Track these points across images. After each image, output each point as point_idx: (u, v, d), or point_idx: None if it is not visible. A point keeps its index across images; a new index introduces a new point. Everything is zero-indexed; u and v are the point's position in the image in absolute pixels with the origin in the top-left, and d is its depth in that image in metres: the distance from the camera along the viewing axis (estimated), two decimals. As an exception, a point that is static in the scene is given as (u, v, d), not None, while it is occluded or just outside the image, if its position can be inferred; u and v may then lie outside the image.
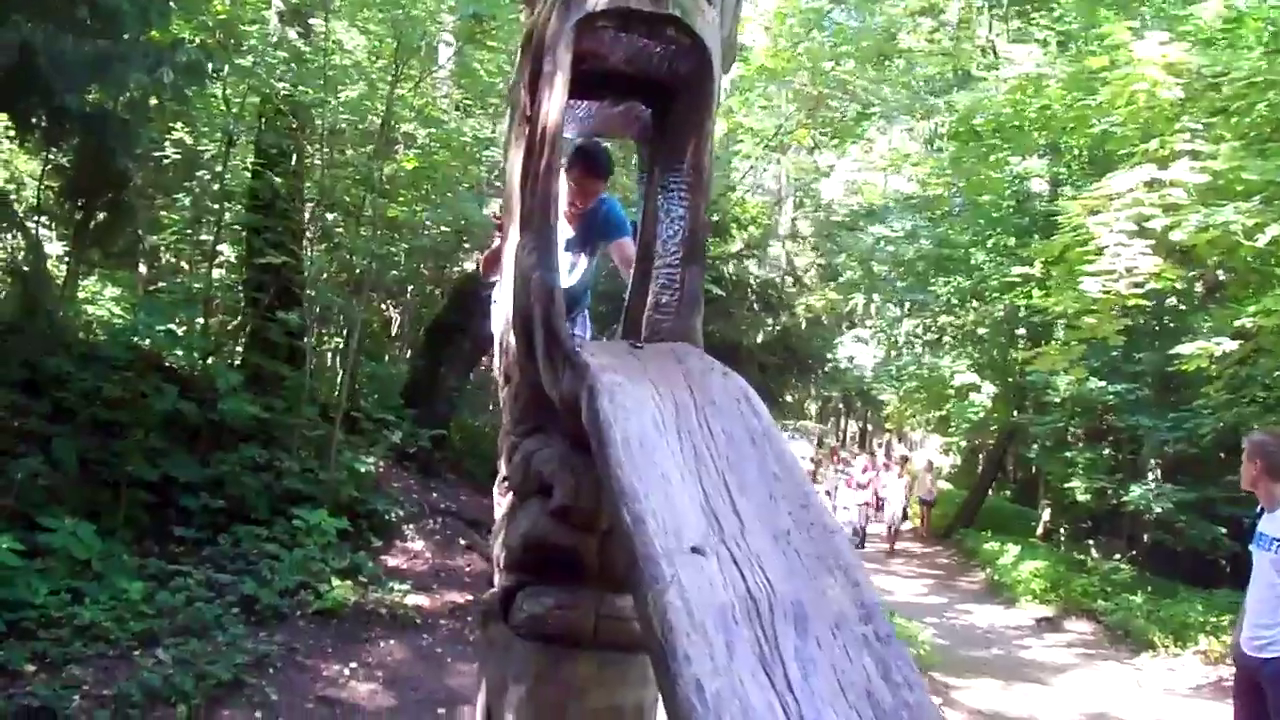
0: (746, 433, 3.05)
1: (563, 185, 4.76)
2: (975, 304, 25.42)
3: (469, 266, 14.44)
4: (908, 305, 30.93)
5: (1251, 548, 6.08)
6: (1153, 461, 19.86)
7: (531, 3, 3.94)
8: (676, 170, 3.84)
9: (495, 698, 3.82)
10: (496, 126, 13.91)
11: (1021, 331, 23.72)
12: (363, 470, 10.57)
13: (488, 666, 3.94)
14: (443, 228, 13.71)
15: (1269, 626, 5.74)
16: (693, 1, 3.57)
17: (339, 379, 12.22)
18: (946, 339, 28.38)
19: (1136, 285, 10.05)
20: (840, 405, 47.13)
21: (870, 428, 50.50)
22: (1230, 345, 10.86)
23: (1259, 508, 6.15)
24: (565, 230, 5.26)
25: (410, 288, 15.34)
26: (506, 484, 4.17)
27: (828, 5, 19.37)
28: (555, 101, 3.50)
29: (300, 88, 10.59)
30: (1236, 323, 11.17)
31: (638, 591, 2.49)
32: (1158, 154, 10.42)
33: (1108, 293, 10.14)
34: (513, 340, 4.06)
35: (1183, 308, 17.61)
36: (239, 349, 11.94)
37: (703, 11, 3.60)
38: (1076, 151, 19.29)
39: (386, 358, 14.50)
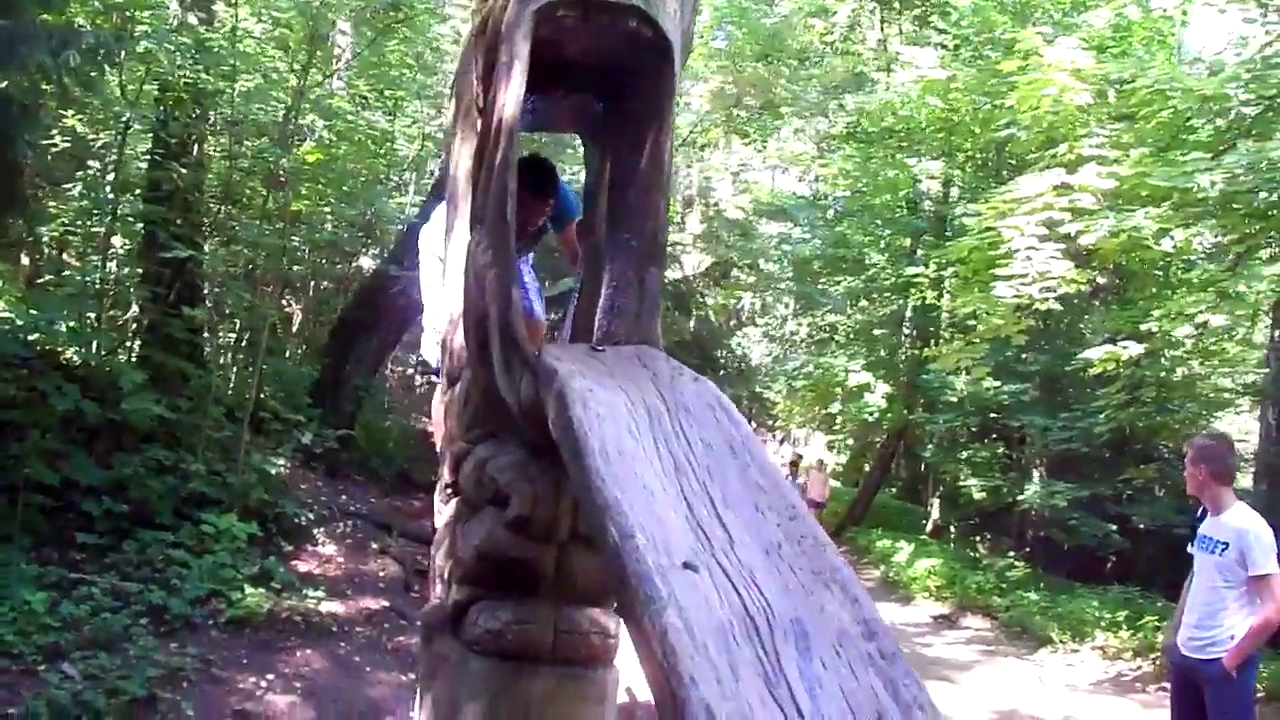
0: (725, 441, 2.94)
1: None
2: (865, 304, 25.74)
3: (371, 263, 14.17)
4: (795, 304, 31.18)
5: (1193, 550, 6.16)
6: (1037, 460, 20.28)
7: (486, -11, 3.78)
8: (633, 164, 3.72)
9: (444, 715, 3.66)
10: (398, 122, 13.64)
11: (908, 331, 24.09)
12: (272, 472, 10.25)
13: (435, 683, 3.77)
14: (344, 222, 13.39)
15: (1209, 628, 5.82)
16: (656, -8, 3.46)
17: (243, 377, 11.84)
18: (837, 338, 28.65)
19: (1048, 289, 10.18)
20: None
21: (756, 426, 50.79)
22: (1136, 348, 11.08)
23: (1200, 510, 6.23)
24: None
25: (313, 283, 14.97)
26: (450, 491, 4.00)
27: (729, 6, 19.32)
28: (512, 92, 3.35)
29: (203, 76, 10.22)
30: (1143, 326, 11.40)
31: (631, 611, 2.36)
32: (1065, 158, 10.59)
33: (1019, 296, 10.26)
34: (460, 342, 3.90)
35: (1068, 310, 17.97)
36: (137, 346, 11.48)
37: (664, 3, 3.49)
38: (971, 155, 19.62)
39: (288, 355, 14.08)
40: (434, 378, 4.79)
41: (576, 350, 3.41)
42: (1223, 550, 5.80)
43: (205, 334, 10.71)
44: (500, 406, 3.44)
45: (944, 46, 17.83)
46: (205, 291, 10.59)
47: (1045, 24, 14.53)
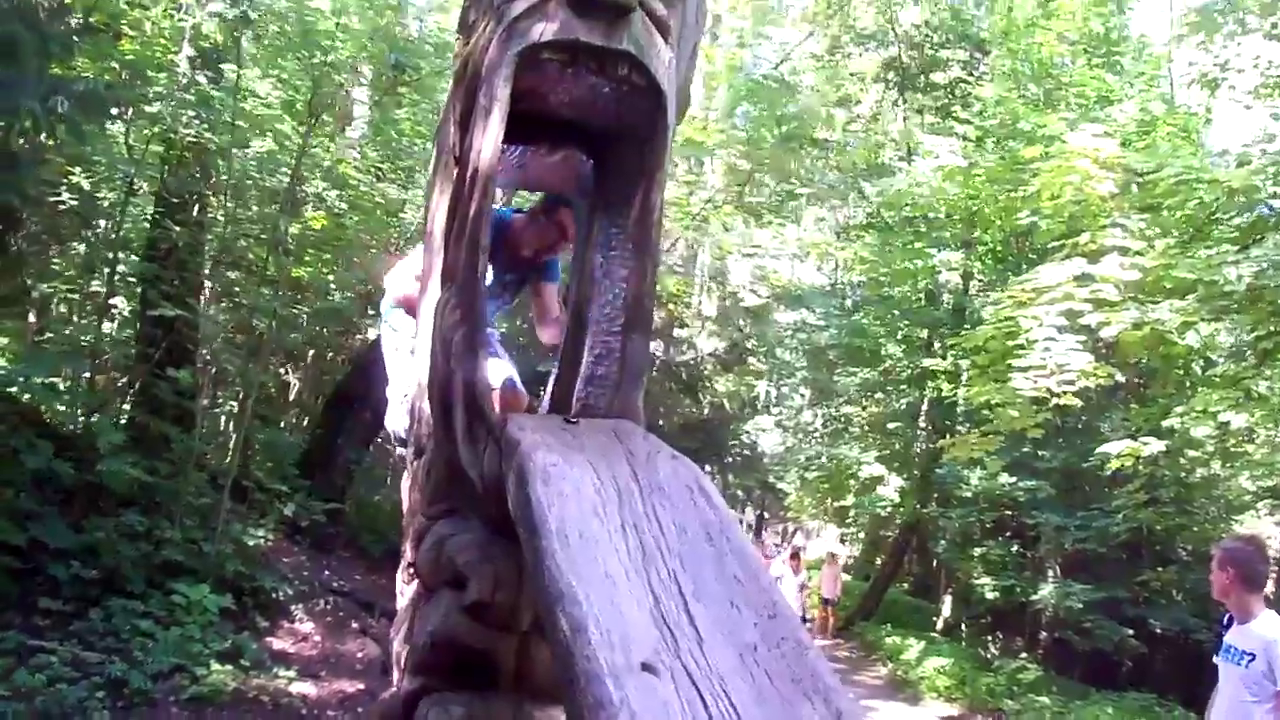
0: (701, 526, 2.64)
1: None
2: (880, 395, 25.44)
3: (374, 334, 13.89)
4: (809, 394, 30.92)
5: (1218, 660, 5.76)
6: (1051, 559, 19.84)
7: (468, 30, 3.54)
8: (620, 226, 3.46)
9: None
10: (410, 191, 13.48)
11: (924, 425, 23.75)
12: (251, 543, 9.89)
13: (384, 781, 3.44)
14: (348, 292, 13.17)
15: None
16: (649, 39, 3.21)
17: (231, 444, 11.55)
18: (852, 429, 28.32)
19: (1067, 382, 9.87)
20: (739, 492, 46.81)
21: (768, 515, 50.18)
22: (1157, 445, 10.75)
23: (1226, 617, 5.83)
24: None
25: (311, 352, 14.71)
26: (413, 571, 3.68)
27: (747, 89, 19.23)
28: (490, 139, 3.10)
29: (207, 135, 10.07)
30: (1164, 423, 11.07)
31: (578, 717, 2.05)
32: (1087, 248, 10.34)
33: (1037, 388, 9.95)
34: (427, 408, 3.61)
35: (1087, 407, 17.68)
36: (126, 407, 11.21)
37: (658, 51, 3.24)
38: (991, 247, 19.44)
39: (283, 424, 13.80)
40: (401, 449, 4.47)
41: (547, 421, 3.11)
42: (1249, 661, 5.41)
43: (196, 399, 10.39)
44: (464, 480, 3.15)
45: (966, 138, 17.71)
46: (196, 354, 10.31)
47: (1074, 117, 14.41)
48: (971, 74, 22.16)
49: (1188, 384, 13.97)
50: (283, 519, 11.05)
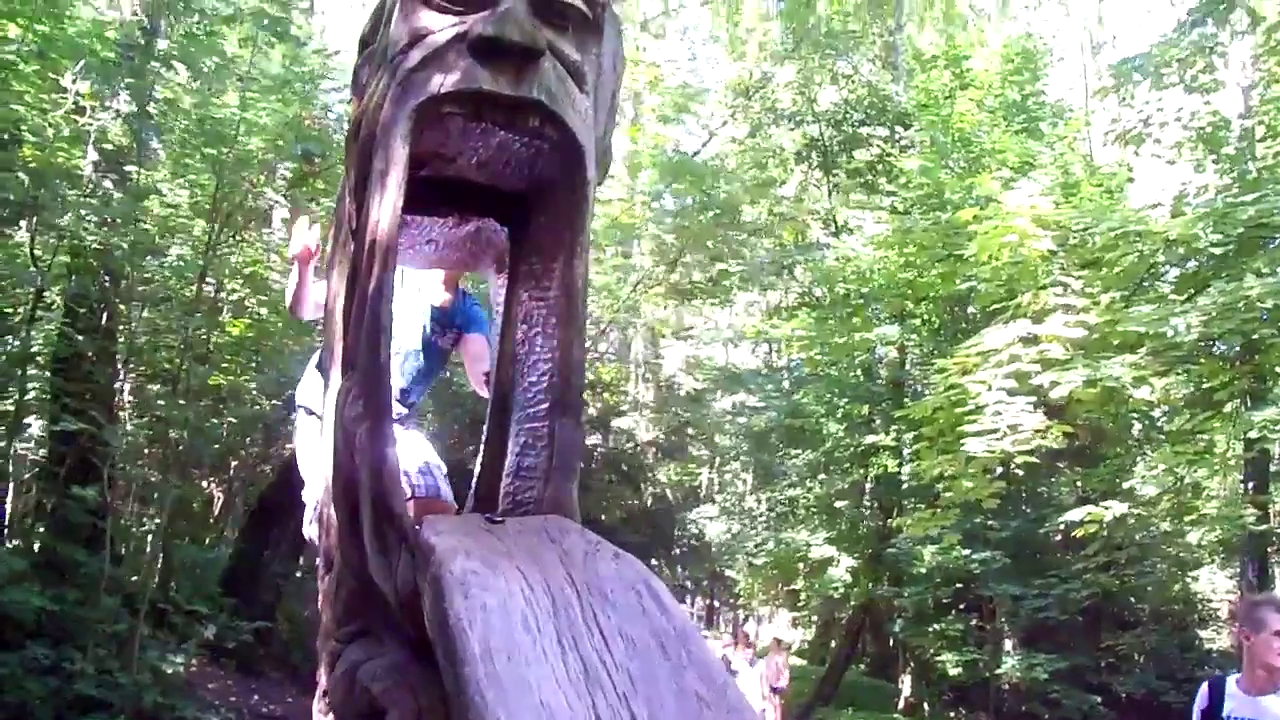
0: (652, 635, 2.24)
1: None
2: (823, 476, 25.17)
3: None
4: (751, 479, 30.66)
5: None
6: (1007, 629, 19.55)
7: (360, 91, 3.18)
8: (541, 299, 3.09)
9: None
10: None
11: (868, 502, 23.47)
12: (170, 671, 9.26)
13: None
14: (273, 400, 12.67)
15: None
16: (561, 87, 2.86)
17: (148, 565, 10.92)
18: (798, 512, 27.99)
19: (1022, 443, 9.61)
20: (688, 583, 46.12)
21: (718, 604, 49.53)
22: (1120, 507, 10.49)
23: (1210, 682, 5.33)
24: (432, 299, 4.34)
25: (234, 463, 14.12)
26: (328, 701, 3.22)
27: (673, 167, 19.05)
28: (387, 206, 2.73)
29: (113, 240, 9.63)
30: (1125, 484, 10.84)
31: None
32: (1029, 309, 10.17)
33: (991, 452, 9.68)
34: (334, 515, 3.19)
35: (1030, 475, 17.51)
36: (41, 529, 10.59)
37: (573, 100, 2.89)
38: (926, 319, 19.35)
39: (208, 540, 13.14)
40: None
41: (468, 523, 2.71)
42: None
43: (105, 518, 9.78)
44: (376, 596, 2.72)
45: (894, 209, 17.66)
46: (105, 470, 9.73)
47: (997, 181, 14.40)
48: (893, 147, 22.23)
49: (1136, 442, 13.82)
50: (205, 642, 10.42)
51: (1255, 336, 9.44)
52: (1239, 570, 17.40)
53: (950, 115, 17.72)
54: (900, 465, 19.18)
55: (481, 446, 3.28)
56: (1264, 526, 14.08)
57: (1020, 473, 11.86)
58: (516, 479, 3.02)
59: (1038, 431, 9.64)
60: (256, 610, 11.34)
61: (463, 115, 2.82)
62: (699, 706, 2.06)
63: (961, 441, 10.03)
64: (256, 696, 11.13)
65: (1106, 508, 10.48)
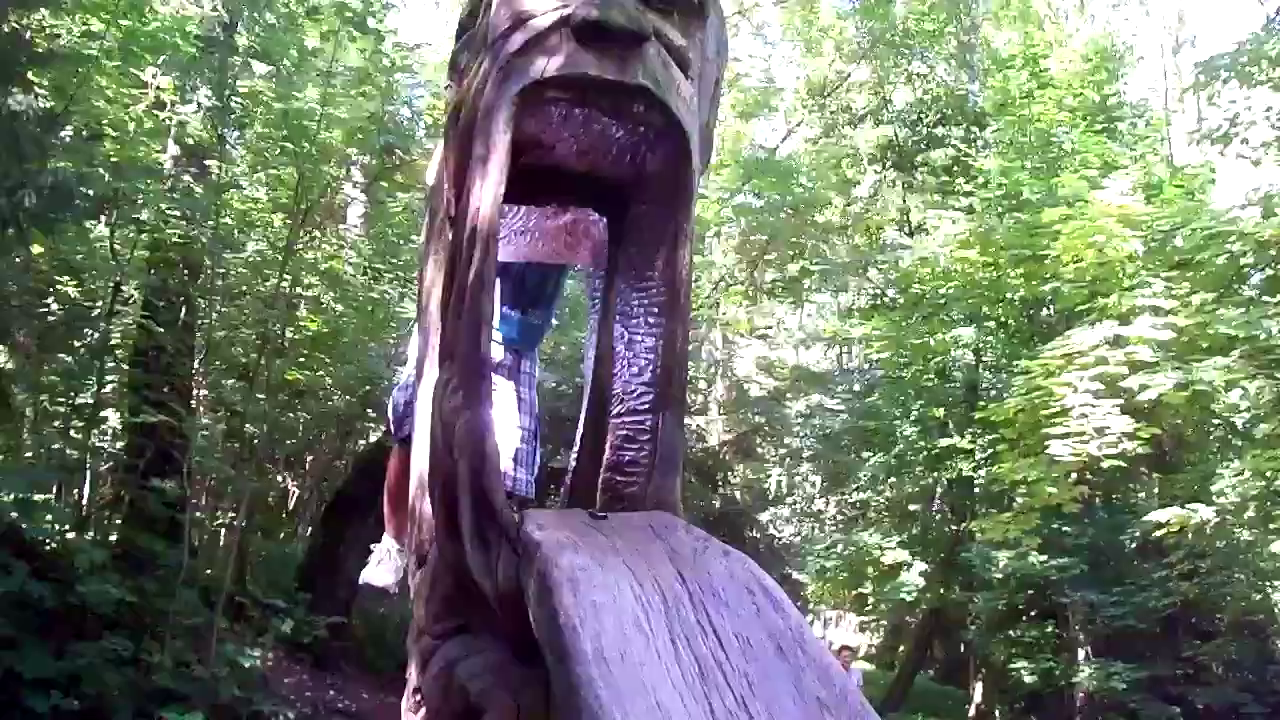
0: (768, 636, 2.15)
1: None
2: (894, 479, 24.91)
3: (375, 436, 13.43)
4: (821, 481, 30.42)
5: None
6: (1082, 637, 19.20)
7: (459, 75, 3.12)
8: (643, 288, 3.01)
9: None
10: (408, 289, 13.09)
11: (938, 507, 23.16)
12: (247, 665, 9.28)
13: None
14: (347, 396, 12.71)
15: None
16: (666, 73, 2.77)
17: (224, 559, 11.00)
18: (869, 514, 27.73)
19: (1110, 445, 9.39)
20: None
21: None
22: (1207, 512, 10.23)
23: None
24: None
25: (310, 458, 14.18)
26: (419, 699, 3.15)
27: (756, 165, 18.89)
28: (488, 192, 2.64)
29: (193, 234, 9.71)
30: (1214, 487, 10.59)
31: None
32: (1115, 310, 9.94)
33: (1078, 455, 9.46)
34: (428, 509, 3.13)
35: (1110, 481, 17.17)
36: (119, 521, 10.69)
37: (678, 87, 2.80)
38: (1003, 321, 19.08)
39: (283, 535, 13.21)
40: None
41: (570, 518, 2.62)
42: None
43: (184, 511, 9.85)
44: (473, 592, 2.65)
45: (971, 209, 17.40)
46: (185, 463, 9.80)
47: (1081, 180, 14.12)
48: (970, 147, 21.94)
49: (1216, 448, 13.49)
50: (282, 636, 10.45)
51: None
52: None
53: (1029, 115, 17.45)
54: (976, 469, 18.88)
55: (577, 441, 3.22)
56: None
57: (1099, 479, 11.58)
58: (616, 474, 2.95)
59: (1125, 435, 9.41)
60: (331, 607, 11.34)
61: (567, 100, 2.75)
62: (820, 711, 1.97)
63: (1045, 444, 9.82)
64: (332, 693, 11.15)
65: (1194, 510, 10.23)
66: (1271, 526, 15.33)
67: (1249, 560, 17.04)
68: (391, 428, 4.19)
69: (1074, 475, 10.15)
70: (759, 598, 2.24)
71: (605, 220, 3.27)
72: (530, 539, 2.34)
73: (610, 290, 3.15)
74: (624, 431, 2.97)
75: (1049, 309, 14.45)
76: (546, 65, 2.69)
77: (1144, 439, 9.69)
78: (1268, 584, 18.76)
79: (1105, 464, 9.74)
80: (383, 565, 4.09)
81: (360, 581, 4.34)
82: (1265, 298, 9.51)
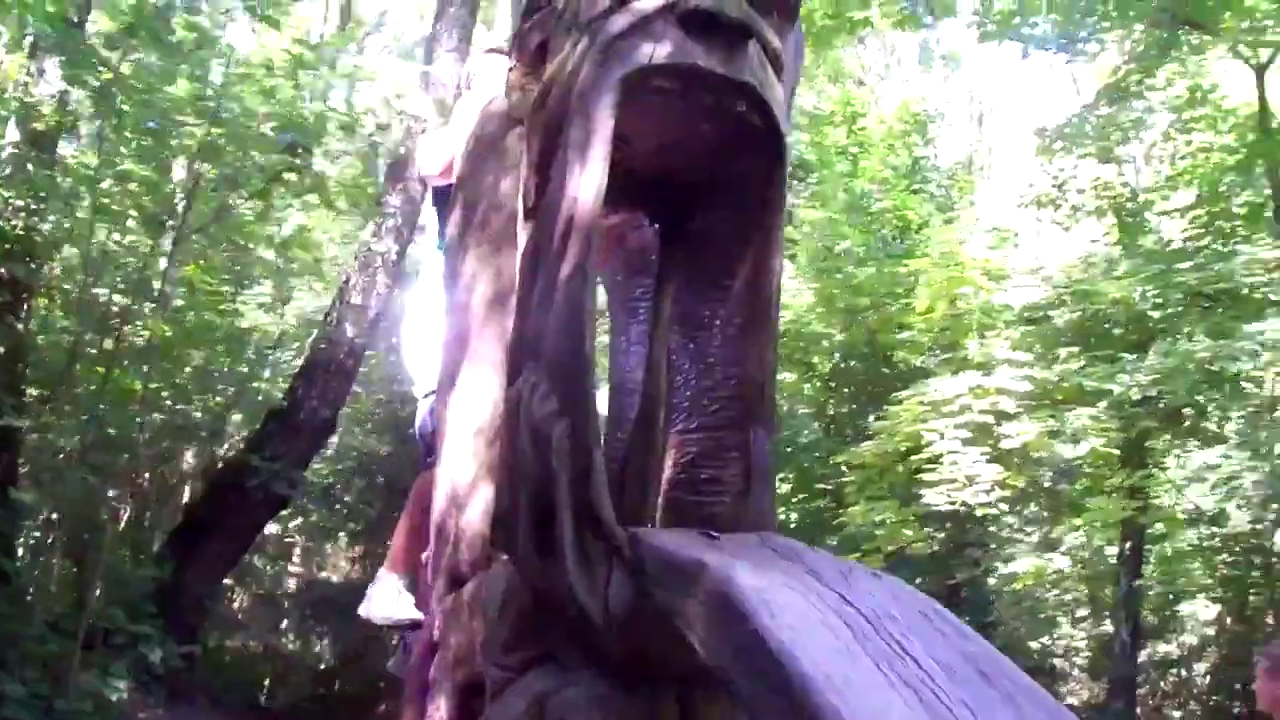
0: (964, 660, 1.99)
1: None
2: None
3: (224, 450, 12.83)
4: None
5: None
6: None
7: (527, 54, 2.93)
8: (718, 298, 2.83)
9: None
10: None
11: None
12: (114, 698, 8.55)
13: None
14: (195, 410, 12.09)
15: None
16: (764, 74, 2.64)
17: (64, 580, 10.21)
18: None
19: (983, 493, 9.60)
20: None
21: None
22: (1062, 561, 10.63)
23: None
24: None
25: (162, 471, 13.33)
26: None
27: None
28: (589, 183, 2.45)
29: (35, 223, 9.02)
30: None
31: None
32: (973, 360, 10.27)
33: (955, 504, 9.63)
34: (473, 528, 2.90)
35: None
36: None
37: (774, 89, 2.67)
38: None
39: (126, 555, 12.31)
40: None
41: (686, 535, 2.42)
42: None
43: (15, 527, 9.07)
44: (559, 616, 2.42)
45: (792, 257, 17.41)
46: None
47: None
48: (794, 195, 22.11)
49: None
50: (145, 665, 9.64)
51: (1199, 398, 9.65)
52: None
53: (853, 171, 17.65)
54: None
55: (626, 459, 3.02)
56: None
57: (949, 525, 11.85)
58: (688, 492, 2.77)
59: (996, 482, 9.65)
60: (181, 634, 10.62)
61: (669, 89, 2.58)
62: (1051, 736, 1.84)
63: (914, 489, 9.97)
64: (189, 726, 10.48)
65: (1049, 559, 10.61)
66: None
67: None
68: (422, 449, 3.91)
69: (949, 524, 10.35)
70: (936, 621, 2.10)
71: (654, 225, 3.12)
72: (686, 559, 2.14)
73: (662, 298, 2.98)
74: (696, 448, 2.80)
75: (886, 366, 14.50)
76: (653, 52, 2.52)
77: (1013, 485, 9.97)
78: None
79: (979, 511, 9.96)
80: (402, 598, 3.76)
81: (376, 617, 4.00)
82: (1123, 354, 9.92)
